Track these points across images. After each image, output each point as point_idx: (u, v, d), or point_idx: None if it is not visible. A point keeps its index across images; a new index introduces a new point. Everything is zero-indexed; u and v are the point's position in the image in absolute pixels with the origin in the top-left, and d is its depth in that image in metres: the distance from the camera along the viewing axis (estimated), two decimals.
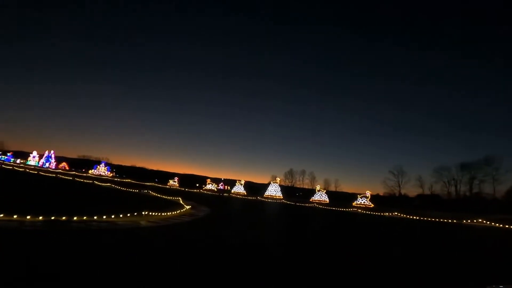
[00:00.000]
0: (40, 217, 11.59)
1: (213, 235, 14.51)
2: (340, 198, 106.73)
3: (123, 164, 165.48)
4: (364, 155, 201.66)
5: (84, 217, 13.01)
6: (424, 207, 77.07)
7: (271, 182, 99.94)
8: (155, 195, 40.21)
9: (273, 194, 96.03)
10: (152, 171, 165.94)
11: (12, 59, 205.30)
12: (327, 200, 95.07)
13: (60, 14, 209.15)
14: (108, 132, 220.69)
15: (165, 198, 36.49)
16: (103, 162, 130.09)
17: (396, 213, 58.54)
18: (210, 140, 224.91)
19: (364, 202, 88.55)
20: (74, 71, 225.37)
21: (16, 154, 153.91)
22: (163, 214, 18.37)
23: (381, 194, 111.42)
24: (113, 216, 14.36)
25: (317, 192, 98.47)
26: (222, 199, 57.36)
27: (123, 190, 45.15)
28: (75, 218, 12.58)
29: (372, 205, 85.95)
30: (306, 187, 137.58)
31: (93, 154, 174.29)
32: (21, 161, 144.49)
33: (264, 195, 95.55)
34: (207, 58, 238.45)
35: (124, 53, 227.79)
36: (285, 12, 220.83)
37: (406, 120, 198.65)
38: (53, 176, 64.08)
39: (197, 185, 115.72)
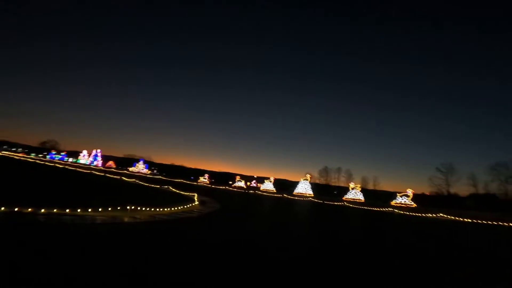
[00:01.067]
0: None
1: (196, 238, 11.09)
2: (378, 197, 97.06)
3: (164, 162, 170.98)
4: (407, 150, 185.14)
5: (67, 210, 11.87)
6: (478, 208, 65.50)
7: (301, 179, 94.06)
8: (172, 191, 38.52)
9: (303, 192, 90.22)
10: (190, 169, 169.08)
11: (63, 63, 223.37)
12: (362, 198, 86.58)
13: (121, 14, 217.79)
14: (150, 132, 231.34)
15: (178, 193, 34.92)
16: (141, 160, 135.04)
17: (441, 215, 49.93)
18: (246, 138, 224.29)
19: (404, 201, 78.71)
20: (123, 73, 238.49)
21: (70, 154, 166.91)
22: (157, 209, 16.04)
23: (427, 193, 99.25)
24: (89, 210, 12.82)
25: (350, 190, 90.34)
26: (243, 196, 53.71)
27: (143, 185, 44.12)
28: (42, 210, 11.04)
29: (414, 205, 75.95)
30: (342, 185, 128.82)
31: (137, 153, 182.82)
32: (73, 159, 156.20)
33: (294, 193, 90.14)
34: (240, 57, 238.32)
35: (165, 55, 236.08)
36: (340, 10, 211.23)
37: (456, 112, 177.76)
38: (83, 172, 66.01)
39: (230, 182, 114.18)
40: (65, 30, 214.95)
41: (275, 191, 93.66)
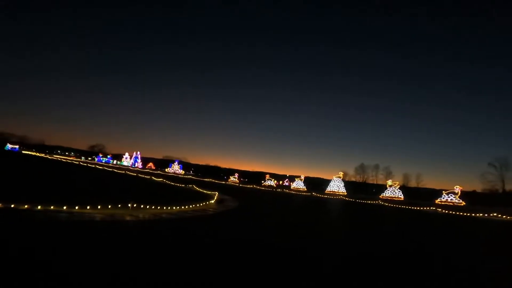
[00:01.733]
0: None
1: (188, 238, 10.23)
2: (420, 195, 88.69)
3: (200, 163, 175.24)
4: (455, 145, 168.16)
5: (64, 207, 11.97)
6: None
7: (334, 177, 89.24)
8: (194, 189, 38.38)
9: (335, 190, 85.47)
10: (224, 169, 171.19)
11: (108, 70, 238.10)
12: (401, 196, 79.42)
13: (166, 15, 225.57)
14: (187, 134, 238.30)
15: (199, 191, 34.79)
16: (177, 161, 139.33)
17: (495, 214, 43.26)
18: (280, 138, 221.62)
19: (451, 199, 70.40)
20: (162, 77, 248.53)
21: (115, 156, 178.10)
22: (163, 208, 15.73)
23: (478, 190, 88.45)
24: (88, 207, 12.77)
25: (388, 187, 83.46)
26: (267, 195, 51.59)
27: (167, 184, 44.61)
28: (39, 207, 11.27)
29: (463, 203, 67.55)
30: (381, 183, 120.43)
31: (174, 155, 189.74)
32: (117, 162, 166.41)
33: (326, 191, 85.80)
34: (274, 56, 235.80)
35: (197, 57, 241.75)
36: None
37: (510, 105, 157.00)
38: (118, 172, 68.74)
39: (262, 182, 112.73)
40: (112, 37, 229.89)
41: (305, 189, 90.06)
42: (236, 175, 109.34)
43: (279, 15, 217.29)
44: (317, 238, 13.46)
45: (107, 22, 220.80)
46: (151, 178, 57.80)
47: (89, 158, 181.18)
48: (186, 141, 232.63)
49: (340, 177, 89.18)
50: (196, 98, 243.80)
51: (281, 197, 51.06)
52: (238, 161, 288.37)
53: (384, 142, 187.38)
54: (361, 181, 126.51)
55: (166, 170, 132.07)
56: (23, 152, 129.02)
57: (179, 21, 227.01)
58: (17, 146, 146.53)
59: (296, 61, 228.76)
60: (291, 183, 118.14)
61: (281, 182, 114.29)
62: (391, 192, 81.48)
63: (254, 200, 36.55)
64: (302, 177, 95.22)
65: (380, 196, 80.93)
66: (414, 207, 53.22)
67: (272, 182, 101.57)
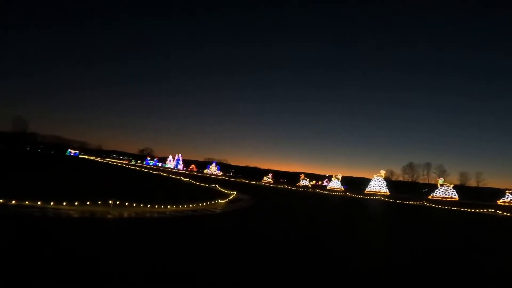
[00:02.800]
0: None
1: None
2: (481, 195, 76.64)
3: (241, 165, 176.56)
4: None
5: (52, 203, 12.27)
6: None
7: (374, 176, 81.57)
8: (215, 189, 37.62)
9: (376, 190, 77.86)
10: (264, 170, 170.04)
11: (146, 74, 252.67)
12: (456, 197, 69.04)
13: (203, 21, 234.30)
14: (228, 136, 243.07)
15: (218, 190, 34.41)
16: (214, 162, 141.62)
17: None
18: (321, 137, 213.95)
19: None
20: (203, 83, 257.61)
21: (160, 159, 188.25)
22: (155, 207, 14.97)
23: None
24: (65, 204, 12.64)
25: (439, 187, 73.34)
26: (293, 195, 48.13)
27: (191, 184, 44.66)
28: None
29: None
30: (433, 182, 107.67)
31: (215, 156, 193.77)
32: (162, 164, 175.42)
33: (366, 191, 78.76)
34: (312, 56, 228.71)
35: (235, 59, 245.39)
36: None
37: None
38: (152, 173, 70.93)
39: (298, 183, 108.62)
40: (154, 49, 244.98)
41: (342, 189, 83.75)
42: (270, 175, 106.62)
43: (312, 15, 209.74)
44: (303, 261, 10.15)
45: (147, 33, 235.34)
46: (180, 179, 58.35)
47: (139, 161, 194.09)
48: (227, 144, 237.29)
49: (381, 176, 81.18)
50: (236, 101, 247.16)
51: (306, 197, 47.16)
52: (278, 162, 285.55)
53: (435, 140, 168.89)
54: (410, 180, 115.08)
55: (204, 171, 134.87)
56: (80, 156, 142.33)
57: (212, 27, 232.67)
58: (77, 151, 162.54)
59: (335, 60, 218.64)
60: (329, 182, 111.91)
61: (319, 182, 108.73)
62: (443, 192, 71.39)
63: (273, 200, 33.84)
64: (339, 176, 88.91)
65: (430, 197, 71.51)
66: (468, 208, 45.02)
67: (307, 182, 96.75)
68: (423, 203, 53.39)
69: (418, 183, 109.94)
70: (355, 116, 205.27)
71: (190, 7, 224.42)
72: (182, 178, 61.32)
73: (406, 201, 54.35)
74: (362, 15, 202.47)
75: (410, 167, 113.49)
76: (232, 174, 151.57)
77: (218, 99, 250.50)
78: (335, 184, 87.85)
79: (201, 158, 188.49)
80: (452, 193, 70.30)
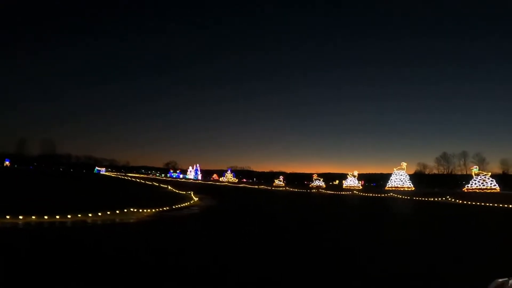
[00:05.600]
0: None
1: None
2: None
3: (265, 170, 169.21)
4: None
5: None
6: None
7: (394, 170, 70.60)
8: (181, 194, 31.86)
9: (398, 185, 66.94)
10: (291, 174, 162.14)
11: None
12: (497, 187, 56.19)
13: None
14: (250, 143, 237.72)
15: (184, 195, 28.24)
16: (229, 169, 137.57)
17: None
18: (347, 135, 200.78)
19: None
20: (221, 93, 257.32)
21: (183, 171, 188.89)
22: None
23: None
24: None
25: (474, 176, 60.74)
26: (299, 197, 40.68)
27: (167, 192, 39.66)
28: None
29: None
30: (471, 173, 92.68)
31: (238, 164, 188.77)
32: (184, 176, 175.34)
33: (386, 187, 68.27)
34: (327, 53, 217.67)
35: (254, 65, 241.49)
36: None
37: None
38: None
39: (311, 184, 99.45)
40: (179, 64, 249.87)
41: (360, 187, 73.66)
42: (281, 177, 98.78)
43: (340, 12, 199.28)
44: None
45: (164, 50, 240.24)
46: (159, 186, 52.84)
47: (163, 175, 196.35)
48: (250, 151, 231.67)
49: (403, 169, 69.93)
50: (253, 108, 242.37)
51: (310, 198, 39.37)
52: (302, 164, 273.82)
53: (469, 127, 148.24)
54: (445, 172, 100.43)
55: (220, 179, 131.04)
56: (101, 173, 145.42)
57: (223, 35, 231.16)
58: (103, 169, 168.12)
59: (353, 55, 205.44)
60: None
61: (336, 181, 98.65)
62: (479, 182, 58.74)
63: (239, 205, 27.06)
64: (356, 173, 78.74)
65: (464, 189, 59.31)
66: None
67: (321, 182, 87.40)
68: (447, 199, 42.69)
69: (455, 175, 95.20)
70: (381, 111, 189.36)
71: (200, 17, 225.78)
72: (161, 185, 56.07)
73: (434, 198, 43.96)
74: (378, 11, 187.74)
75: (444, 158, 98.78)
76: (255, 180, 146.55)
77: (236, 108, 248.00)
78: (351, 182, 77.77)
79: (224, 167, 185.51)
80: (491, 183, 57.46)
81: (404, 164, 70.31)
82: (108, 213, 12.39)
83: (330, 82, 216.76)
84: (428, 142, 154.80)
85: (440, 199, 43.31)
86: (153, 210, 15.33)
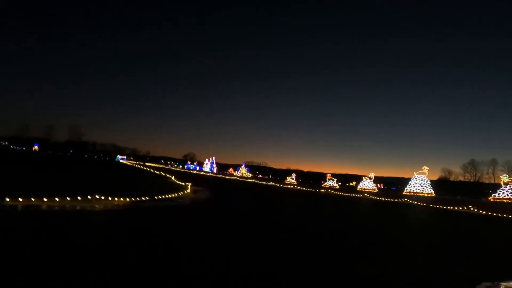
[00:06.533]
0: None
1: None
2: None
3: (282, 167, 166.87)
4: None
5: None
6: None
7: (415, 174, 66.32)
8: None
9: (417, 191, 62.83)
10: (308, 172, 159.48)
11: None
12: None
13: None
14: (269, 140, 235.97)
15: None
16: (244, 164, 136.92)
17: None
18: (369, 137, 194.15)
19: None
20: (242, 88, 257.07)
21: (199, 163, 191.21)
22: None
23: None
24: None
25: (503, 185, 55.56)
26: (298, 195, 39.12)
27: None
28: None
29: None
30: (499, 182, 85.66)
31: (255, 160, 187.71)
32: (201, 168, 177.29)
33: (404, 192, 64.41)
34: (360, 54, 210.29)
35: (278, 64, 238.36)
36: None
37: None
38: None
39: (324, 184, 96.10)
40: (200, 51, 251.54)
41: (375, 190, 70.09)
42: (294, 175, 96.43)
43: (366, 11, 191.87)
44: None
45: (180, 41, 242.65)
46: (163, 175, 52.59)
47: (180, 166, 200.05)
48: (268, 148, 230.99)
49: (424, 174, 65.53)
50: (273, 105, 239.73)
51: (313, 198, 37.48)
52: (319, 164, 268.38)
53: (499, 134, 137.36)
54: (471, 180, 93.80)
55: (234, 173, 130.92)
56: (121, 161, 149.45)
57: (245, 31, 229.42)
58: (125, 157, 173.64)
59: (376, 56, 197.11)
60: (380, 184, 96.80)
61: (353, 183, 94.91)
62: (508, 192, 53.60)
63: (228, 200, 25.95)
64: (372, 175, 75.02)
65: (491, 198, 54.49)
66: None
67: (334, 183, 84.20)
68: (469, 208, 38.91)
69: (482, 183, 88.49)
70: (406, 115, 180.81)
71: (229, 9, 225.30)
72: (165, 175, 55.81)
73: (454, 206, 40.40)
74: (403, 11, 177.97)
75: (472, 165, 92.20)
76: (271, 176, 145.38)
77: (257, 104, 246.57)
78: (367, 184, 74.21)
79: (241, 162, 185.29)
80: None
81: (425, 169, 65.80)
82: (68, 198, 11.51)
83: (355, 83, 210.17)
84: (455, 148, 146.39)
85: (460, 208, 39.64)
86: (128, 199, 14.36)
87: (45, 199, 10.79)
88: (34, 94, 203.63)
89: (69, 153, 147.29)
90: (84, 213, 10.67)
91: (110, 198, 13.45)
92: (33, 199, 10.49)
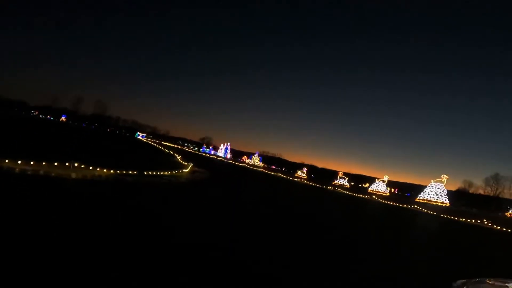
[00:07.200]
0: None
1: None
2: None
3: (296, 161, 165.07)
4: None
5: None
6: None
7: (432, 182, 63.07)
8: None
9: (432, 199, 59.86)
10: (322, 169, 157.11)
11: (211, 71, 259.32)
12: None
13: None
14: (286, 132, 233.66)
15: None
16: (257, 152, 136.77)
17: None
18: (388, 140, 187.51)
19: None
20: (263, 79, 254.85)
21: (215, 148, 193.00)
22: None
23: None
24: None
25: None
26: (301, 189, 38.25)
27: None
28: None
29: None
30: None
31: (270, 151, 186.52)
32: (215, 152, 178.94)
33: (417, 199, 61.70)
34: (369, 55, 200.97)
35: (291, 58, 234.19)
36: None
37: None
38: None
39: (334, 182, 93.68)
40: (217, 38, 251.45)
41: (387, 194, 67.57)
42: (305, 169, 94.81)
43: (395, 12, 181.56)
44: None
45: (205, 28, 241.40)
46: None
47: (196, 149, 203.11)
48: (283, 140, 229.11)
49: (442, 182, 62.17)
50: (294, 99, 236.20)
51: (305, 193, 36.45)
52: (334, 162, 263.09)
53: None
54: (491, 194, 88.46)
55: (246, 161, 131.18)
56: (139, 138, 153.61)
57: (267, 24, 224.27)
58: (144, 134, 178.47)
59: (392, 59, 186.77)
60: (396, 189, 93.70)
61: (366, 184, 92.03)
62: None
63: (224, 183, 25.55)
64: (386, 178, 72.12)
65: (508, 214, 50.97)
66: None
67: (345, 181, 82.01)
68: (483, 222, 36.34)
69: (502, 198, 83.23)
70: (432, 123, 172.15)
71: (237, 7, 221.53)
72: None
73: (455, 217, 38.04)
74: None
75: (495, 179, 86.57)
76: (284, 169, 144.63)
77: (278, 96, 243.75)
78: (379, 187, 71.65)
79: (255, 151, 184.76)
80: None
81: (444, 177, 62.33)
82: (44, 163, 11.37)
83: (381, 85, 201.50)
84: (478, 160, 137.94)
85: (473, 221, 37.15)
86: (112, 171, 14.17)
87: (19, 162, 10.67)
88: (66, 67, 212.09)
89: (93, 126, 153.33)
90: (54, 180, 10.43)
91: (91, 168, 13.26)
92: (6, 161, 10.37)
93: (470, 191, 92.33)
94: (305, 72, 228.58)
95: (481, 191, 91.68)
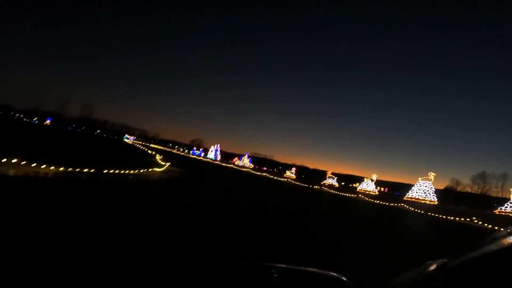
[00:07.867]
0: None
1: None
2: None
3: (287, 162, 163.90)
4: None
5: None
6: None
7: (419, 180, 62.64)
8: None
9: (420, 197, 59.35)
10: (313, 170, 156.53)
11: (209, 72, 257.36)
12: None
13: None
14: (277, 134, 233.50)
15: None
16: (247, 154, 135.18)
17: None
18: (381, 141, 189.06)
19: None
20: (253, 78, 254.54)
21: (205, 150, 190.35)
22: None
23: None
24: None
25: (511, 199, 51.63)
26: (282, 187, 36.50)
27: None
28: None
29: None
30: (508, 196, 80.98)
31: (262, 152, 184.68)
32: (205, 154, 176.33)
33: (405, 197, 61.07)
34: (370, 55, 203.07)
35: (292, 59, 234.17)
36: None
37: None
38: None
39: (323, 182, 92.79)
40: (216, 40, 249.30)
41: (376, 193, 66.81)
42: (294, 169, 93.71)
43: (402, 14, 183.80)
44: None
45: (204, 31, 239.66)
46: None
47: (186, 151, 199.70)
48: (275, 141, 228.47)
49: (429, 180, 61.81)
50: (285, 100, 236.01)
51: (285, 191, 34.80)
52: (325, 163, 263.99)
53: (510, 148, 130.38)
54: (478, 192, 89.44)
55: (236, 162, 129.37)
56: (125, 140, 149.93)
57: (265, 26, 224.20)
58: (132, 137, 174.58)
59: (394, 61, 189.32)
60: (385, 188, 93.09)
61: (357, 184, 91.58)
62: None
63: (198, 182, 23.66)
64: (374, 177, 71.50)
65: (496, 211, 50.78)
66: None
67: (334, 181, 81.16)
68: (472, 220, 35.62)
69: (489, 196, 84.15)
70: (421, 123, 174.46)
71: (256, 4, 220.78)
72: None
73: (443, 215, 37.22)
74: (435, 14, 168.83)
75: (482, 177, 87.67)
76: (275, 170, 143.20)
77: (268, 98, 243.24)
78: (367, 186, 70.91)
79: (245, 153, 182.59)
80: None
81: (432, 175, 62.00)
82: None
83: (371, 86, 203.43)
84: (465, 159, 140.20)
85: (463, 219, 36.34)
86: (62, 168, 12.28)
87: None
88: (52, 70, 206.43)
89: (79, 130, 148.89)
90: None
91: (34, 165, 11.38)
92: None
93: (457, 189, 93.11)
94: (296, 74, 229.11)
95: (468, 189, 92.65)
